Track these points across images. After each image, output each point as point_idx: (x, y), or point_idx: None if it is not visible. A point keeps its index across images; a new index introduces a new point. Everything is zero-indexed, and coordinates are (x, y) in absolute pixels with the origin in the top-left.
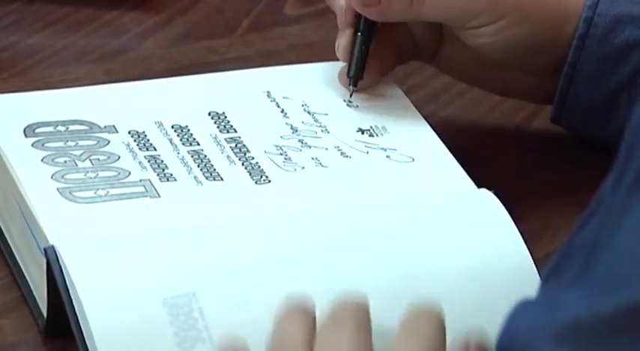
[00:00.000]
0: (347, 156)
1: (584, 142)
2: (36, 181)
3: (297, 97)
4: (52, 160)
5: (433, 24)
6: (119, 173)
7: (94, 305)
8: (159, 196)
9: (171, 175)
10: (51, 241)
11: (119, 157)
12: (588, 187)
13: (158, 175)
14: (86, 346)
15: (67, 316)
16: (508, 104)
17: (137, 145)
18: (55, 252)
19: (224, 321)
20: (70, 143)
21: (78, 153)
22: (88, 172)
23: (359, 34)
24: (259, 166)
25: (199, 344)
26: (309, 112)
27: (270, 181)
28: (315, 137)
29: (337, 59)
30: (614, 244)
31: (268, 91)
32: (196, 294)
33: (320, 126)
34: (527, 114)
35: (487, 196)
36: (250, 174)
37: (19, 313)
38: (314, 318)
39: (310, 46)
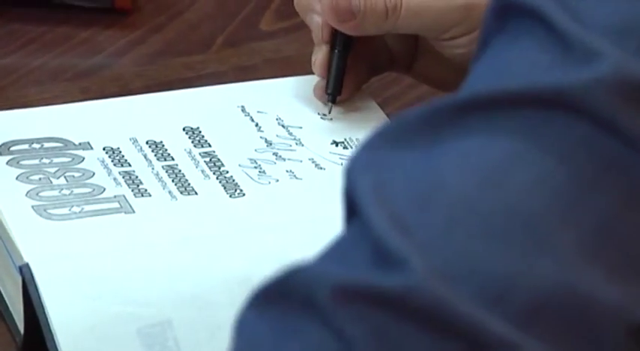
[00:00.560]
0: (321, 168)
1: None
2: (11, 199)
3: (272, 111)
4: (27, 177)
5: (408, 35)
6: (94, 190)
7: (68, 338)
8: (133, 211)
9: (146, 190)
10: (26, 259)
11: (94, 174)
12: None
13: (133, 190)
14: None
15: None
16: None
17: (112, 161)
18: (30, 270)
19: (198, 349)
20: (44, 160)
21: (53, 170)
22: (62, 189)
23: (336, 50)
24: (234, 180)
25: None
26: (283, 126)
27: (244, 195)
28: (290, 150)
29: (312, 73)
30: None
31: (243, 106)
32: (171, 322)
33: (294, 139)
34: None
35: None
36: (225, 188)
37: None
38: None
39: (285, 60)
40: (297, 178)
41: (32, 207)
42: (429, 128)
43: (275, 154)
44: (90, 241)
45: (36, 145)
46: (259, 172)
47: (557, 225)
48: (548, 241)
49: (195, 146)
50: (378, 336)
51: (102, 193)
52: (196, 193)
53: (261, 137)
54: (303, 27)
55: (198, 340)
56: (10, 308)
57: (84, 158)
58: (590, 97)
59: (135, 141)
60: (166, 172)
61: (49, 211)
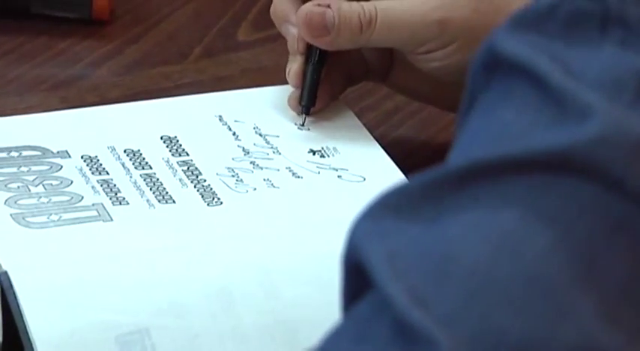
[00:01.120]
0: (298, 176)
1: None
2: None
3: (249, 120)
4: (5, 185)
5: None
6: (72, 198)
7: (46, 346)
8: (111, 219)
9: (124, 198)
10: (4, 267)
11: (72, 182)
12: None
13: (111, 198)
14: None
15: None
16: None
17: (90, 169)
18: (9, 278)
19: None
20: (23, 168)
21: (31, 178)
22: (41, 197)
23: (311, 62)
24: (211, 189)
25: None
26: (260, 135)
27: (222, 203)
28: (267, 159)
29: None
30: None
31: (220, 115)
32: (149, 330)
33: (271, 148)
34: None
35: None
36: (202, 196)
37: None
38: None
39: (262, 70)
40: (274, 186)
41: (10, 215)
42: (432, 198)
43: (252, 162)
44: (68, 249)
45: (14, 153)
46: (237, 180)
47: (576, 289)
48: (569, 306)
49: (173, 155)
50: None
51: (80, 201)
52: (174, 202)
53: (238, 146)
54: (279, 38)
55: (176, 348)
56: None
57: (62, 166)
58: (594, 156)
59: (113, 149)
60: (144, 180)
61: (27, 219)
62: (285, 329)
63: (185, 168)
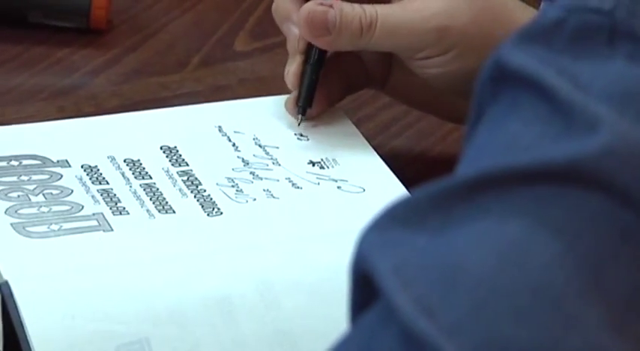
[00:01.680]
0: (298, 187)
1: None
2: None
3: (248, 131)
4: (6, 194)
5: (383, 52)
6: (72, 207)
7: None
8: (112, 229)
9: (124, 208)
10: (5, 277)
11: (72, 191)
12: None
13: (111, 208)
14: None
15: None
16: (458, 134)
17: (90, 179)
18: (9, 288)
19: None
20: (23, 178)
21: (31, 187)
22: (41, 206)
23: (309, 62)
24: (211, 199)
25: None
26: (260, 146)
27: (222, 214)
28: (267, 169)
29: (287, 92)
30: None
31: (220, 126)
32: (149, 340)
33: (271, 158)
34: None
35: None
36: (202, 206)
37: None
38: None
39: (260, 80)
40: (274, 197)
41: (11, 224)
42: (439, 209)
43: (252, 173)
44: (69, 258)
45: (14, 163)
46: (236, 191)
47: (582, 299)
48: (575, 316)
49: (172, 165)
50: None
51: (80, 210)
52: (174, 212)
53: (238, 157)
54: (276, 47)
55: None
56: None
57: (62, 176)
58: (601, 168)
59: (113, 159)
60: (144, 190)
61: (27, 228)
62: (285, 340)
63: (185, 178)
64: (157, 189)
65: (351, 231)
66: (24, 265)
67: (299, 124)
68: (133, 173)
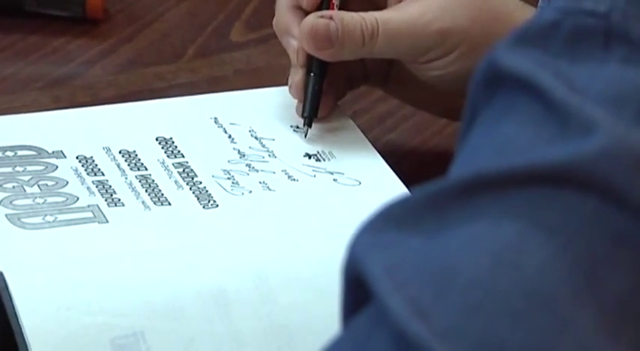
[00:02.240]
0: (294, 179)
1: None
2: None
3: (244, 123)
4: (1, 185)
5: None
6: (67, 199)
7: (41, 348)
8: (107, 221)
9: (119, 200)
10: (0, 268)
11: (67, 183)
12: None
13: (106, 200)
14: None
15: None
16: (454, 127)
17: (85, 170)
18: (4, 279)
19: None
20: (18, 168)
21: (26, 178)
22: (36, 197)
23: (312, 74)
24: (207, 191)
25: None
26: (256, 138)
27: (217, 206)
28: (263, 161)
29: (283, 84)
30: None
31: (215, 118)
32: (144, 333)
33: (267, 151)
34: None
35: None
36: (198, 199)
37: None
38: None
39: (256, 71)
40: (270, 189)
41: (6, 215)
42: (434, 210)
43: (248, 165)
44: (64, 250)
45: (9, 153)
46: (232, 183)
47: (576, 302)
48: (568, 319)
49: (168, 156)
50: None
51: (75, 202)
52: (169, 204)
53: (234, 149)
54: (272, 38)
55: None
56: None
57: (57, 167)
58: (597, 171)
59: (108, 150)
60: (140, 182)
61: (22, 219)
62: (281, 333)
63: (181, 170)
64: (153, 180)
65: (347, 224)
66: (19, 256)
67: (305, 136)
68: (129, 164)
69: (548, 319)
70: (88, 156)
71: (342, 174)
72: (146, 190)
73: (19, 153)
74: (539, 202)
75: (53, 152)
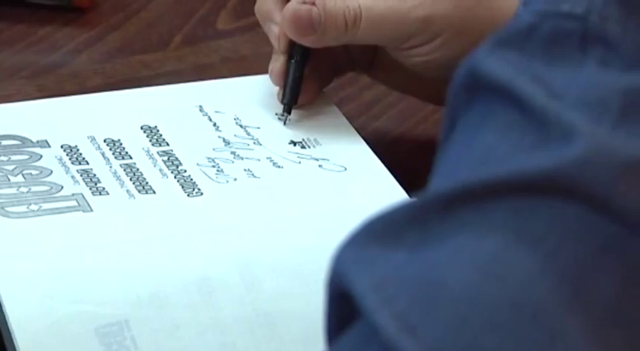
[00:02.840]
0: (279, 166)
1: None
2: None
3: (229, 111)
4: None
5: None
6: (51, 188)
7: (26, 336)
8: (91, 210)
9: (104, 188)
10: None
11: (51, 172)
12: None
13: (91, 189)
14: None
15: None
16: (440, 114)
17: (70, 159)
18: None
19: (156, 349)
20: (2, 158)
21: (10, 168)
22: (20, 186)
23: (293, 60)
24: (192, 179)
25: None
26: (241, 126)
27: (202, 194)
28: (248, 149)
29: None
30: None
31: (200, 106)
32: (128, 322)
33: (252, 138)
34: None
35: None
36: (183, 187)
37: None
38: None
39: (242, 59)
40: (255, 176)
41: None
42: (416, 224)
43: (233, 153)
44: (48, 239)
45: None
46: (217, 170)
47: (564, 312)
48: (557, 329)
49: (153, 145)
50: None
51: (60, 191)
52: (154, 192)
53: (219, 137)
54: (258, 26)
55: (156, 339)
56: None
57: (42, 156)
58: (579, 178)
59: (93, 139)
60: (124, 170)
61: (6, 208)
62: (265, 321)
63: (165, 158)
64: (137, 169)
65: (332, 212)
66: (2, 245)
67: (285, 122)
68: (113, 153)
69: (536, 331)
70: (72, 145)
71: (328, 160)
72: (131, 179)
73: (4, 143)
74: (522, 212)
75: (37, 141)
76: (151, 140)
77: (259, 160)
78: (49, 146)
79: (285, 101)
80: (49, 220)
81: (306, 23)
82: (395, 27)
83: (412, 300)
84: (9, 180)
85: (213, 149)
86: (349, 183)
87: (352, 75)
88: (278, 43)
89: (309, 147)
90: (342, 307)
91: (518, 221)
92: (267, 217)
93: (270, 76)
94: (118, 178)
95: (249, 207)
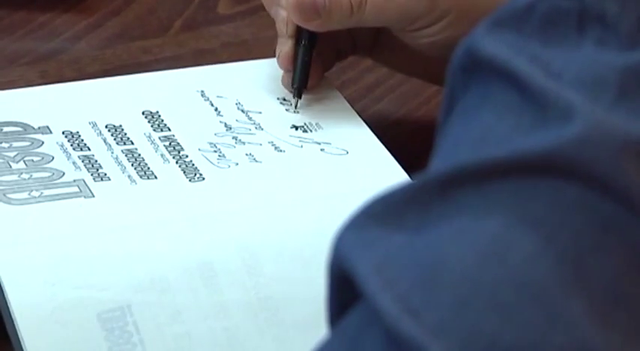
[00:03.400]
0: (281, 150)
1: None
2: None
3: (231, 95)
4: None
5: None
6: (53, 174)
7: (28, 322)
8: (93, 195)
9: (105, 174)
10: None
11: (53, 158)
12: None
13: (92, 174)
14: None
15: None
16: (440, 97)
17: (71, 145)
18: None
19: (158, 334)
20: (3, 145)
21: (12, 154)
22: (22, 173)
23: (302, 44)
24: (193, 164)
25: None
26: (242, 111)
27: (204, 179)
28: (249, 134)
29: (270, 56)
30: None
31: (202, 91)
32: (131, 307)
33: (254, 123)
34: None
35: None
36: (184, 172)
37: None
38: None
39: (243, 44)
40: (256, 161)
41: None
42: (416, 206)
43: (235, 138)
44: (50, 225)
45: None
46: (219, 155)
47: (566, 292)
48: (559, 309)
49: (154, 130)
50: None
51: (61, 177)
52: (156, 178)
53: (220, 122)
54: (259, 10)
55: (158, 324)
56: None
57: (43, 142)
58: (578, 157)
59: (94, 125)
60: (126, 156)
61: (8, 195)
62: (267, 305)
63: (167, 143)
64: (139, 155)
65: (335, 195)
66: (4, 231)
67: (295, 107)
68: (115, 139)
69: (538, 311)
70: (74, 131)
71: (330, 144)
72: (132, 165)
73: (5, 129)
74: (522, 193)
75: (39, 128)
76: (152, 126)
77: (261, 144)
78: (51, 132)
79: (295, 85)
80: (51, 206)
81: (310, 8)
82: (400, 9)
83: (413, 282)
84: (10, 167)
85: (215, 134)
86: (351, 166)
87: (353, 58)
88: (286, 27)
89: (310, 131)
90: (344, 291)
91: (518, 202)
92: (269, 201)
93: (278, 61)
94: (120, 163)
95: (251, 192)
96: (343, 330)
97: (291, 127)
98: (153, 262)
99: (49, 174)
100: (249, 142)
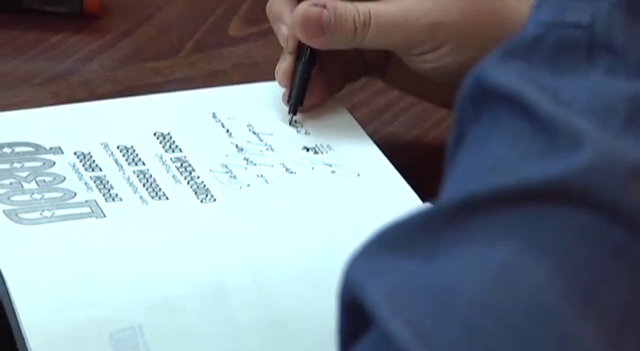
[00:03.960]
0: (292, 172)
1: None
2: None
3: (242, 117)
4: None
5: None
6: (65, 194)
7: (39, 342)
8: (104, 216)
9: (117, 195)
10: None
11: (65, 178)
12: None
13: (104, 195)
14: None
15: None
16: (452, 120)
17: (83, 165)
18: (1, 275)
19: None
20: (15, 165)
21: (24, 174)
22: (33, 193)
23: (301, 61)
24: (204, 185)
25: None
26: (254, 133)
27: (215, 200)
28: (261, 155)
29: None
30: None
31: (214, 112)
32: (142, 327)
33: (265, 145)
34: None
35: None
36: (196, 193)
37: None
38: None
39: (254, 65)
40: (267, 182)
41: (3, 211)
42: (428, 233)
43: (246, 159)
44: (61, 245)
45: (7, 150)
46: (230, 177)
47: (576, 318)
48: (570, 335)
49: (166, 151)
50: None
51: (73, 197)
52: (167, 198)
53: (232, 143)
54: (271, 32)
55: (169, 345)
56: None
57: (55, 163)
58: (588, 184)
59: (106, 146)
60: (137, 176)
61: (20, 215)
62: (278, 325)
63: (178, 164)
64: (151, 175)
65: (345, 217)
66: (16, 251)
67: (290, 124)
68: (126, 160)
69: (549, 337)
70: (85, 152)
71: (341, 166)
72: (144, 185)
73: (17, 149)
74: (533, 221)
75: (51, 148)
76: (164, 146)
77: (272, 166)
78: (63, 153)
79: (291, 102)
80: (63, 226)
81: (315, 25)
82: (402, 33)
83: (424, 307)
84: (22, 187)
85: (226, 155)
86: (362, 189)
87: (364, 80)
88: (287, 44)
89: (321, 153)
90: (355, 317)
91: (528, 229)
92: (280, 222)
93: (276, 76)
94: (131, 184)
95: (261, 213)
96: None
97: (303, 149)
98: (164, 282)
99: (61, 194)
100: (260, 164)
